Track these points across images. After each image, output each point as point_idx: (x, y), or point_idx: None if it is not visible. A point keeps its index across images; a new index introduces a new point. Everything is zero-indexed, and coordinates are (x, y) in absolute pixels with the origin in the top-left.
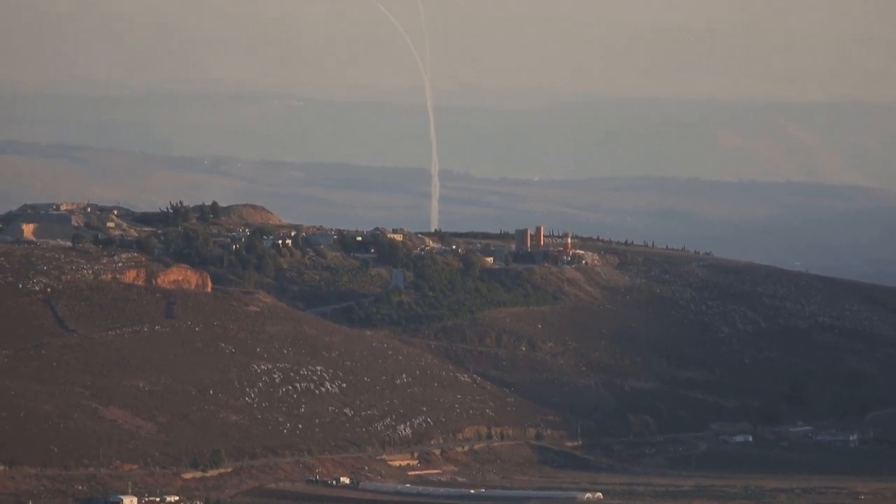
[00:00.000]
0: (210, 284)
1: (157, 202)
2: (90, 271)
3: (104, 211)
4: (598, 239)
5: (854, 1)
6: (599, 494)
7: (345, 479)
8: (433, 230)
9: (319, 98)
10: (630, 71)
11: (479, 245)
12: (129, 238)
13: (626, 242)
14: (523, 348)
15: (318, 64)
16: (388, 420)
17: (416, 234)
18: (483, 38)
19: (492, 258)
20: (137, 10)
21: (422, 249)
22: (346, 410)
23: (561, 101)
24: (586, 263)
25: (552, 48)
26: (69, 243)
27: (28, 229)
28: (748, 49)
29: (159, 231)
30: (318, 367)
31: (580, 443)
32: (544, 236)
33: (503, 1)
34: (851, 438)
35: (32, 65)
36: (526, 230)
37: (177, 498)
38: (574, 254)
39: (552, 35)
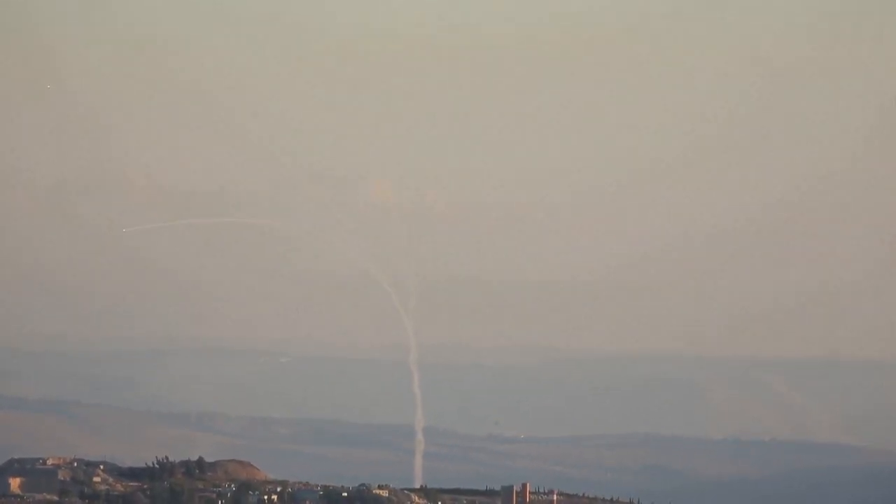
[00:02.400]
0: None
1: (143, 457)
2: None
3: (91, 465)
4: (584, 496)
5: (844, 263)
6: None
7: None
8: (418, 486)
9: (306, 354)
10: (614, 328)
11: (464, 501)
12: (116, 493)
13: (612, 499)
14: None
15: (305, 321)
16: None
17: (402, 490)
18: (471, 295)
19: None
20: (125, 268)
21: None
22: None
23: (546, 357)
24: None
25: (540, 306)
26: (56, 497)
27: (15, 483)
28: (730, 304)
29: (145, 486)
30: None
31: None
32: (530, 493)
33: (489, 259)
34: None
35: (19, 320)
36: (512, 487)
37: None
38: None
39: (538, 293)
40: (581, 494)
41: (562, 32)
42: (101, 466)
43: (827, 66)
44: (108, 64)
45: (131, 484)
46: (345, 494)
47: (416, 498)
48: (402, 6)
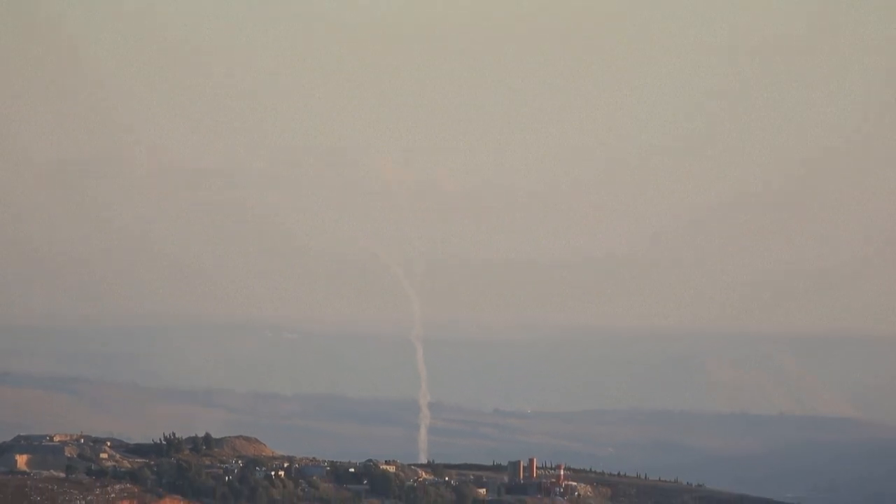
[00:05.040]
0: None
1: (150, 433)
2: (83, 502)
3: (97, 442)
4: (590, 470)
5: (844, 234)
6: None
7: None
8: (423, 462)
9: (311, 331)
10: (620, 304)
11: (471, 476)
12: (122, 469)
13: (618, 474)
14: None
15: (310, 297)
16: None
17: (409, 465)
18: (476, 273)
19: (484, 489)
20: (131, 245)
21: (414, 481)
22: None
23: (553, 333)
24: (579, 495)
25: (546, 284)
26: (62, 474)
27: (21, 460)
28: (737, 280)
29: (152, 462)
30: None
31: None
32: (537, 468)
33: (495, 237)
34: None
35: (23, 298)
36: (519, 462)
37: None
38: (567, 485)
39: (543, 271)
40: (588, 469)
41: (573, 15)
42: (108, 443)
43: (830, 43)
44: (113, 45)
45: (138, 460)
46: (352, 470)
47: (424, 473)
48: None
